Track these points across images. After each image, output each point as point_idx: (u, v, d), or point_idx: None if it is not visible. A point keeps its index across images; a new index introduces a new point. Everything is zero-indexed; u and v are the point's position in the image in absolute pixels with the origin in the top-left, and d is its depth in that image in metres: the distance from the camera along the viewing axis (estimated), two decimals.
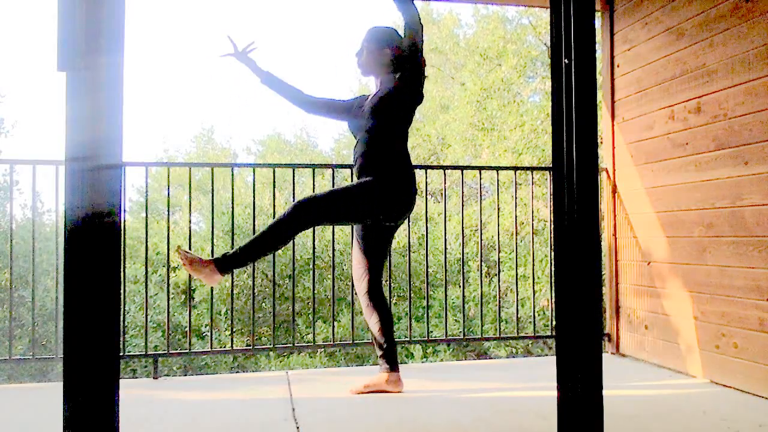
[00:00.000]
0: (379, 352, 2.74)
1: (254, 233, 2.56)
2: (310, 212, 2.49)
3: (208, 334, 6.51)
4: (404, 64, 2.62)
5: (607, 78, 3.63)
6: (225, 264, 2.49)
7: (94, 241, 1.10)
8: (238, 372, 8.26)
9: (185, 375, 7.48)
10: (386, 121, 2.62)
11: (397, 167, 2.61)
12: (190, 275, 3.27)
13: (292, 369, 7.26)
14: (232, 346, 3.41)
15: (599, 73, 3.73)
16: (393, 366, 2.73)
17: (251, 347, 3.45)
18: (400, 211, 2.60)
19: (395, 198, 2.58)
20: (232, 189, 3.33)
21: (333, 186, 3.34)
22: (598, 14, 3.69)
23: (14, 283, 3.02)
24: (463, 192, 3.56)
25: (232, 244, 3.35)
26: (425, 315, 3.58)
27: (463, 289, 3.55)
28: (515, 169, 3.59)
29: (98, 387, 1.09)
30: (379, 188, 2.56)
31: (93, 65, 1.11)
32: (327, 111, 2.83)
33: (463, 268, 3.58)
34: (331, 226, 3.39)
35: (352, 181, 2.72)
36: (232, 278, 3.40)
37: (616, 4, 3.58)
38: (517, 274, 3.65)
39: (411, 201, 2.62)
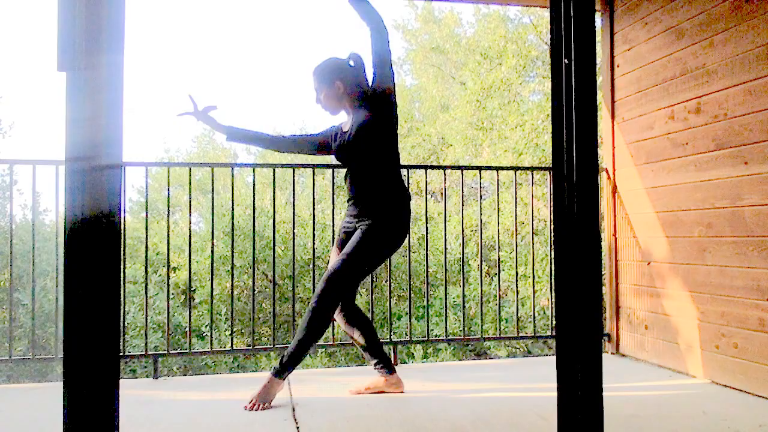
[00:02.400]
0: (373, 361, 2.74)
1: (300, 326, 2.55)
2: (342, 289, 2.53)
3: (208, 334, 6.51)
4: (368, 90, 2.58)
5: (607, 78, 3.63)
6: (282, 370, 2.53)
7: (94, 241, 1.10)
8: (238, 372, 8.26)
9: (185, 375, 7.48)
10: (369, 152, 2.57)
11: (391, 201, 2.59)
12: (190, 276, 3.28)
13: None
14: (232, 347, 3.41)
15: (599, 73, 3.73)
16: (390, 369, 2.74)
17: (251, 347, 3.45)
18: (403, 238, 2.63)
19: (398, 233, 2.60)
20: (232, 189, 3.33)
21: (333, 188, 3.35)
22: (598, 14, 3.69)
23: (13, 284, 3.01)
24: (463, 192, 3.56)
25: (232, 244, 3.35)
26: (425, 315, 3.58)
27: (464, 288, 3.55)
28: (515, 169, 3.58)
29: (98, 387, 1.09)
30: (384, 232, 2.56)
31: (93, 65, 1.11)
32: (300, 148, 2.78)
33: (463, 268, 3.58)
34: (331, 227, 3.39)
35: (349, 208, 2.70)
36: (232, 279, 3.41)
37: (616, 4, 3.58)
38: (517, 274, 3.65)
39: (408, 227, 2.64)
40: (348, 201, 2.70)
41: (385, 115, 2.55)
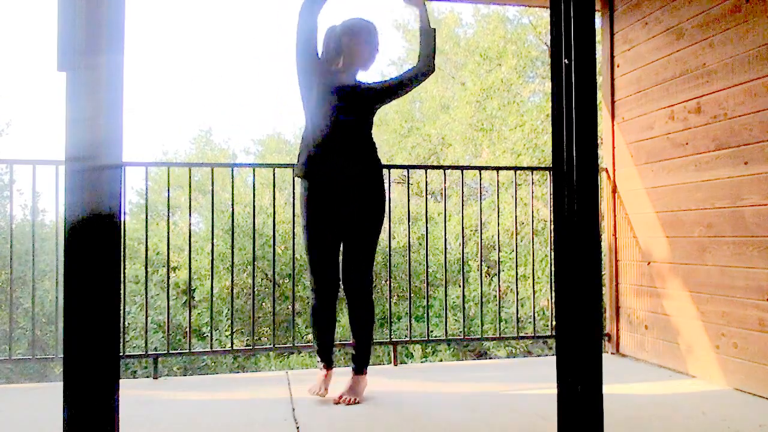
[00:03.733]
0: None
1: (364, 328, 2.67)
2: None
3: (208, 334, 6.50)
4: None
5: (607, 78, 3.63)
6: (365, 365, 2.67)
7: (94, 241, 1.10)
8: (238, 372, 8.26)
9: (185, 375, 7.48)
10: (369, 114, 2.69)
11: (378, 160, 2.71)
12: (190, 275, 3.28)
13: (292, 369, 7.25)
14: (232, 346, 3.41)
15: (599, 73, 3.73)
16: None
17: (251, 347, 3.45)
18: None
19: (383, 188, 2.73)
20: (232, 189, 3.33)
21: None
22: (598, 14, 3.69)
23: (13, 284, 3.01)
24: (463, 192, 3.56)
25: (232, 243, 3.35)
26: (425, 315, 3.58)
27: (463, 289, 3.55)
28: (515, 169, 3.59)
29: (98, 387, 1.09)
30: (381, 198, 2.67)
31: (93, 65, 1.11)
32: (308, 37, 2.61)
33: (463, 268, 3.58)
34: None
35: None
36: (232, 278, 3.41)
37: (616, 4, 3.58)
38: (517, 274, 3.65)
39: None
40: (328, 148, 2.59)
41: (382, 99, 2.73)
